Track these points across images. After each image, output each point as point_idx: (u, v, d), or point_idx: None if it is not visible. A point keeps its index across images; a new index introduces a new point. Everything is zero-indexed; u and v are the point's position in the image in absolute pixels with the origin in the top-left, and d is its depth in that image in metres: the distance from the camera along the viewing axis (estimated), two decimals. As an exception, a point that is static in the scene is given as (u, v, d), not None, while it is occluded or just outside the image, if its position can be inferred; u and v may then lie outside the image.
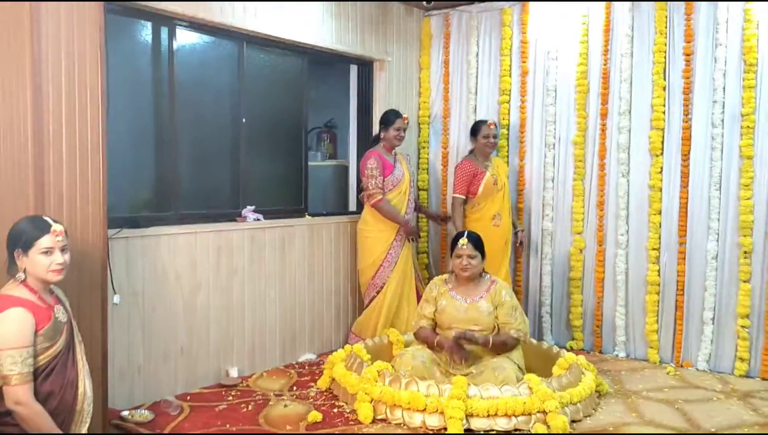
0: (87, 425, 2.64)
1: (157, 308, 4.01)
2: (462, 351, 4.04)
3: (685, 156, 4.83)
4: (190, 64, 4.35)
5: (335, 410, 3.92)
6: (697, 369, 4.81)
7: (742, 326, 4.65)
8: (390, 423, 3.71)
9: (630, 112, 5.04)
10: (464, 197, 5.18)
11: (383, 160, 5.01)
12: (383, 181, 4.97)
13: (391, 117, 5.08)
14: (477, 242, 4.16)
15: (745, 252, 4.62)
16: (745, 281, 4.64)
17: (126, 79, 4.01)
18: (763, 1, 4.51)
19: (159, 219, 4.13)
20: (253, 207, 4.67)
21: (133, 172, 4.16)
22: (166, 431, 3.52)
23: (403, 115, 5.08)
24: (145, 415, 3.71)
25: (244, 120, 4.65)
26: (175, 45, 4.20)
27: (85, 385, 2.64)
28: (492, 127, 5.15)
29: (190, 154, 4.40)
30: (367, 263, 5.09)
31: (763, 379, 4.59)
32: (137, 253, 3.90)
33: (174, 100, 4.21)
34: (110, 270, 3.50)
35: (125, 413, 3.69)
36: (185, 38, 4.31)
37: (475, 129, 5.23)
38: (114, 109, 3.53)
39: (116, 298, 3.72)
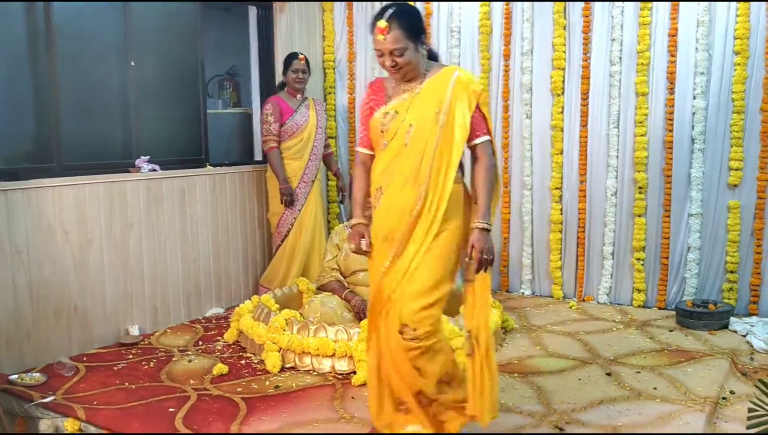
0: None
1: (44, 266, 3.76)
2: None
3: (585, 95, 4.90)
4: (68, 10, 4.03)
5: (243, 362, 3.83)
6: (599, 302, 4.99)
7: (638, 259, 4.83)
8: (299, 371, 3.66)
9: (532, 52, 5.06)
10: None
11: (282, 105, 4.86)
12: (279, 127, 4.82)
13: (287, 60, 4.94)
14: None
15: (640, 187, 4.77)
16: (639, 216, 4.80)
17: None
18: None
19: (41, 170, 3.84)
20: (147, 157, 4.43)
21: (8, 122, 3.83)
22: (59, 392, 3.33)
23: (299, 56, 4.91)
24: (36, 377, 3.50)
25: (133, 63, 4.35)
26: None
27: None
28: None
29: (74, 102, 4.09)
30: (272, 211, 5.00)
31: (660, 308, 4.81)
32: (19, 208, 3.62)
33: (52, 47, 3.90)
34: (-14, 225, 3.23)
35: (14, 377, 3.47)
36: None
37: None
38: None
39: None
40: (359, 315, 3.98)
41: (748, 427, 1.57)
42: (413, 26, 2.43)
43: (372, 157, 2.67)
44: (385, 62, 2.43)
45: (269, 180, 5.01)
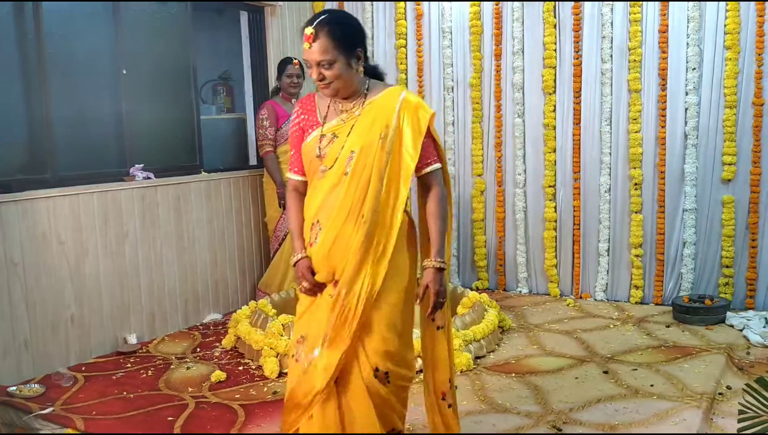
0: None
1: (40, 277, 3.76)
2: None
3: (577, 92, 4.91)
4: (58, 17, 4.02)
5: (240, 368, 3.83)
6: (596, 299, 5.00)
7: (636, 256, 4.84)
8: (297, 375, 3.66)
9: (523, 51, 5.06)
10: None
11: (277, 110, 4.87)
12: (275, 132, 4.83)
13: (282, 65, 4.94)
14: None
15: (636, 184, 4.78)
16: (636, 212, 4.81)
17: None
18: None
19: (34, 182, 3.84)
20: (141, 165, 4.43)
21: (0, 134, 3.83)
22: (58, 403, 3.33)
23: (294, 60, 4.91)
24: (35, 389, 3.50)
25: (124, 71, 4.36)
26: (38, -6, 3.87)
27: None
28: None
29: (66, 112, 4.09)
30: (269, 215, 5.01)
31: (656, 304, 4.82)
32: (13, 220, 3.62)
33: (43, 56, 3.89)
34: (-20, 239, 3.23)
35: (12, 389, 3.47)
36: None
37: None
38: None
39: None
40: None
41: (740, 430, 1.58)
42: (346, 37, 2.10)
43: (305, 183, 2.32)
44: (312, 74, 2.12)
45: (265, 184, 5.01)
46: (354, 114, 2.18)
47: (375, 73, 2.28)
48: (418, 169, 2.21)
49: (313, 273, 2.21)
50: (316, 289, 2.22)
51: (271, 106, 4.89)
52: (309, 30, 2.06)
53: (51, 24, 3.95)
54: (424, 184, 2.26)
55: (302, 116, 2.28)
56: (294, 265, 2.27)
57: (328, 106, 2.24)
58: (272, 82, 5.37)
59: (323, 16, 2.09)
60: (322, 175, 2.18)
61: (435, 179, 2.24)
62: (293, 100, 4.97)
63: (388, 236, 2.12)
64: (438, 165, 2.24)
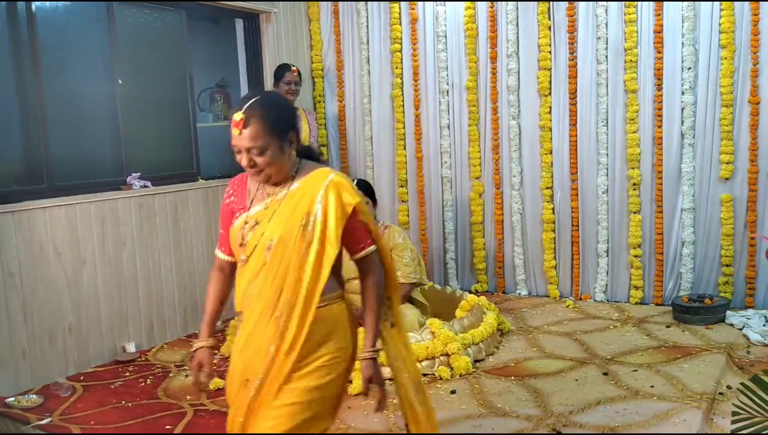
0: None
1: (37, 288, 3.76)
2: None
3: (573, 94, 4.91)
4: (53, 27, 4.04)
5: (239, 375, 3.82)
6: (595, 300, 4.98)
7: (635, 256, 4.83)
8: (296, 382, 3.64)
9: (518, 53, 5.06)
10: None
11: None
12: None
13: (279, 72, 4.93)
14: (367, 189, 4.14)
15: (634, 184, 4.77)
16: (635, 212, 4.80)
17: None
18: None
19: (31, 192, 3.84)
20: (138, 174, 4.43)
21: (-3, 144, 3.84)
22: (56, 414, 3.32)
23: (292, 67, 4.91)
24: (33, 399, 3.50)
25: (120, 81, 4.36)
26: (33, 7, 3.87)
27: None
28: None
29: (62, 122, 4.09)
30: None
31: (657, 304, 4.81)
32: (9, 231, 3.62)
33: (38, 66, 3.90)
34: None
35: (11, 399, 3.47)
36: (44, 0, 3.98)
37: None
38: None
39: None
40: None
41: (734, 431, 1.56)
42: (279, 121, 1.94)
43: (232, 264, 2.13)
44: (241, 161, 1.93)
45: None
46: (278, 198, 2.00)
47: (309, 155, 2.10)
48: (351, 253, 2.04)
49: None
50: (201, 385, 2.08)
51: (268, 113, 4.88)
52: (238, 115, 1.89)
53: (46, 33, 3.97)
54: (359, 267, 2.06)
55: (232, 197, 2.10)
56: (193, 353, 2.11)
57: (257, 189, 2.06)
58: (268, 89, 5.36)
59: (253, 100, 1.92)
60: (243, 264, 2.00)
61: (370, 264, 2.05)
62: None
63: (300, 332, 1.90)
64: (372, 248, 2.04)
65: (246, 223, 2.02)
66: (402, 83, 5.51)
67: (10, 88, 3.89)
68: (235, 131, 1.90)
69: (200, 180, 4.90)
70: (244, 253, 2.00)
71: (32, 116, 3.92)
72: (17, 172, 3.95)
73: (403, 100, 5.52)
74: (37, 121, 3.92)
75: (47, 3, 4.02)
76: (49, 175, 3.96)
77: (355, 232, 2.02)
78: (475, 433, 2.96)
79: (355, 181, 4.20)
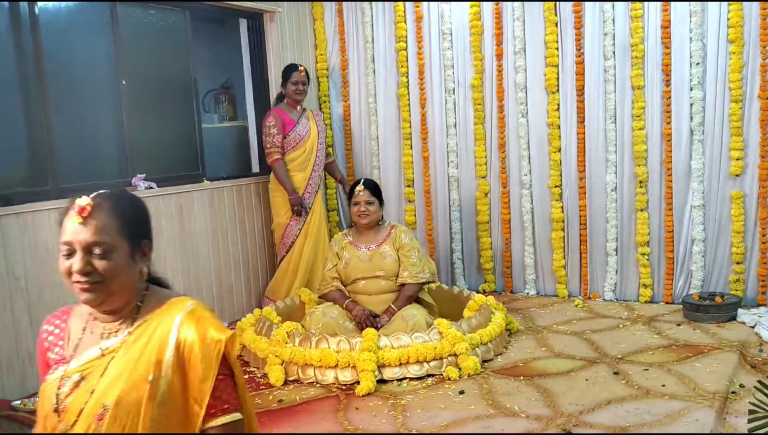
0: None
1: (43, 291, 3.74)
2: (369, 319, 3.96)
3: (580, 91, 4.86)
4: (55, 29, 4.03)
5: (246, 376, 3.79)
6: (604, 299, 4.93)
7: (644, 254, 4.78)
8: (303, 383, 3.62)
9: (525, 50, 5.02)
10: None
11: (283, 117, 4.86)
12: (282, 139, 4.82)
13: (286, 72, 4.93)
14: (374, 188, 4.13)
15: (641, 181, 4.72)
16: (643, 210, 4.75)
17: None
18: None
19: (36, 194, 3.83)
20: (143, 175, 4.41)
21: (2, 147, 3.82)
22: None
23: (299, 67, 4.89)
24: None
25: (124, 82, 4.35)
26: (36, 8, 3.86)
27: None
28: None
29: (67, 124, 4.08)
30: (277, 222, 4.99)
31: (666, 302, 4.75)
32: (14, 233, 3.61)
33: (42, 68, 3.89)
34: (-19, 252, 3.22)
35: (17, 402, 3.44)
36: (47, 2, 3.97)
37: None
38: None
39: None
40: (361, 325, 3.94)
41: (750, 430, 1.53)
42: (135, 220, 1.49)
43: None
44: (73, 266, 1.41)
45: (272, 192, 4.98)
46: (117, 341, 1.45)
47: (158, 281, 1.60)
48: (204, 419, 1.40)
49: None
50: None
51: (277, 113, 4.87)
52: (84, 200, 1.42)
53: (49, 35, 3.95)
54: None
55: (50, 338, 1.54)
56: None
57: (84, 329, 1.50)
58: (273, 89, 5.35)
59: (106, 191, 1.48)
60: None
61: None
62: (298, 107, 4.96)
63: None
64: (237, 416, 1.43)
65: (64, 378, 1.44)
66: (407, 82, 5.47)
67: (14, 90, 3.88)
68: (73, 220, 1.41)
69: (205, 181, 4.88)
70: (63, 423, 1.40)
71: (36, 118, 3.91)
72: (22, 173, 3.94)
73: (408, 99, 5.48)
74: (42, 122, 3.91)
75: (50, 4, 4.01)
76: (54, 177, 3.94)
77: (218, 388, 1.41)
78: (485, 434, 2.92)
79: (363, 180, 4.18)
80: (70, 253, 1.42)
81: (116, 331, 1.46)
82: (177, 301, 1.49)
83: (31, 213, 3.70)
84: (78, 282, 1.41)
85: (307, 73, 4.95)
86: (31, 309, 3.68)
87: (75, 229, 1.41)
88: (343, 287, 4.15)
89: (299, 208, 4.85)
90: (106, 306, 1.45)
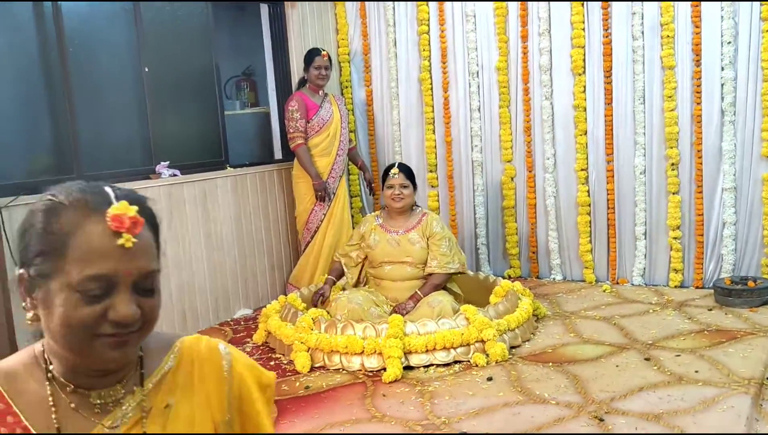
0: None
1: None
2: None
3: (608, 72, 4.76)
4: (78, 18, 4.02)
5: (272, 363, 3.79)
6: (633, 284, 4.85)
7: (674, 238, 4.69)
8: (329, 370, 3.61)
9: (550, 31, 4.92)
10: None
11: (306, 101, 4.81)
12: (305, 124, 4.78)
13: (309, 57, 4.88)
14: (408, 172, 4.11)
15: (673, 164, 4.62)
16: (674, 193, 4.66)
17: (6, 39, 3.66)
18: None
19: (60, 182, 3.82)
20: (167, 162, 4.41)
21: (26, 135, 3.83)
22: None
23: (322, 52, 4.85)
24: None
25: (146, 69, 4.33)
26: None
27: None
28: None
29: (90, 113, 4.08)
30: (300, 208, 4.96)
31: (697, 287, 4.67)
32: (41, 222, 3.62)
33: (64, 57, 3.88)
34: (8, 241, 3.23)
35: None
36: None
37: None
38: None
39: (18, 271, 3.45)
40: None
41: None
42: (157, 237, 1.08)
43: None
44: (113, 311, 0.95)
45: (295, 178, 4.94)
46: (133, 408, 1.02)
47: None
48: None
49: None
50: None
51: (300, 97, 4.83)
52: (126, 208, 0.97)
53: (72, 24, 3.95)
54: None
55: (8, 418, 0.98)
56: None
57: (52, 405, 0.99)
58: (294, 74, 5.31)
59: (117, 188, 1.03)
60: None
61: None
62: (320, 92, 4.91)
63: None
64: None
65: None
66: (430, 66, 5.40)
67: (38, 79, 3.88)
68: (113, 240, 0.95)
69: (228, 168, 4.87)
70: None
71: (60, 107, 3.92)
72: (47, 162, 3.95)
73: (431, 83, 5.41)
74: (66, 111, 3.92)
75: (73, -7, 4.00)
76: (79, 165, 3.95)
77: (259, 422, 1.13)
78: (514, 421, 2.88)
79: (397, 164, 4.17)
80: (106, 292, 0.94)
81: (119, 399, 1.01)
82: (192, 339, 1.12)
83: (57, 201, 3.70)
84: (114, 335, 0.95)
85: (329, 57, 4.90)
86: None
87: (119, 255, 0.95)
88: (345, 270, 4.31)
89: (323, 194, 4.81)
90: (121, 363, 1.01)
